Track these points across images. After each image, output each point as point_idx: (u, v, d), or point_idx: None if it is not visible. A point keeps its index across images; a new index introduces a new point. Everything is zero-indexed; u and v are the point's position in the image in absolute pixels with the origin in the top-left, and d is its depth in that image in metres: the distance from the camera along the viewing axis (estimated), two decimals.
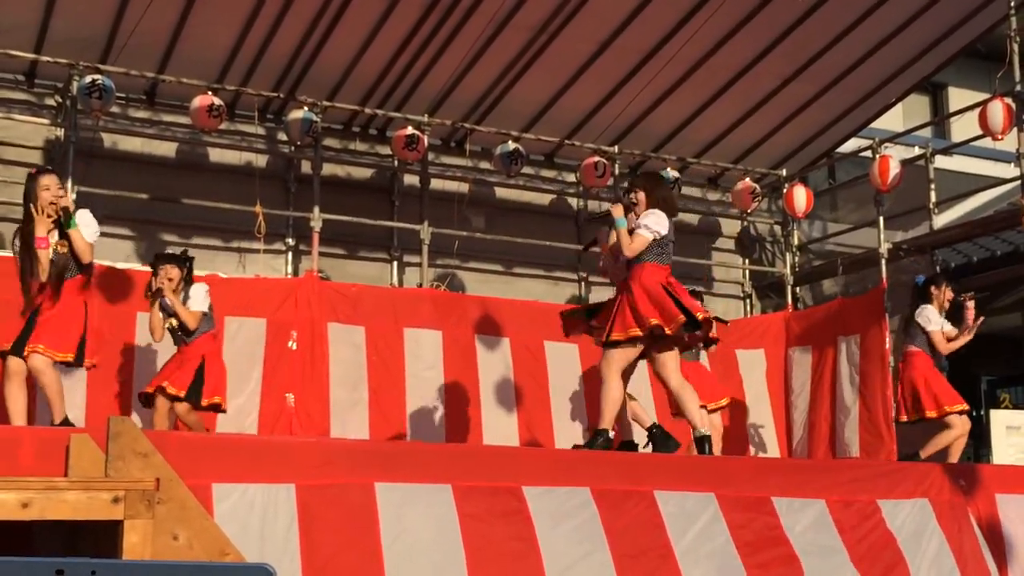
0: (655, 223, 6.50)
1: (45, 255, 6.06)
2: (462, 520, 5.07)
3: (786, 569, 5.71)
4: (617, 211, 6.52)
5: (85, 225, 6.23)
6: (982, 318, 8.38)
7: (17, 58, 9.04)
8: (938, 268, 10.24)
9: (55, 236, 6.14)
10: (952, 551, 6.24)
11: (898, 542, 6.12)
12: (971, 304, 8.34)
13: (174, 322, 7.26)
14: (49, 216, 6.10)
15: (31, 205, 6.14)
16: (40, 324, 6.13)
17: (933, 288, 8.32)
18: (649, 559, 5.39)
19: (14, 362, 6.14)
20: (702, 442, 6.44)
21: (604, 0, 9.19)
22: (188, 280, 7.41)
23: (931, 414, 8.11)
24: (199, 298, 7.33)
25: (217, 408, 7.35)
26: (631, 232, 6.47)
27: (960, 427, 8.15)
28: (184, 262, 7.45)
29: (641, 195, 6.57)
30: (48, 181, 6.17)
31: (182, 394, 7.12)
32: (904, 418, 8.34)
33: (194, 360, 7.21)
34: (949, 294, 8.32)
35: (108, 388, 8.15)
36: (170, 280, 7.25)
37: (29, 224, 6.15)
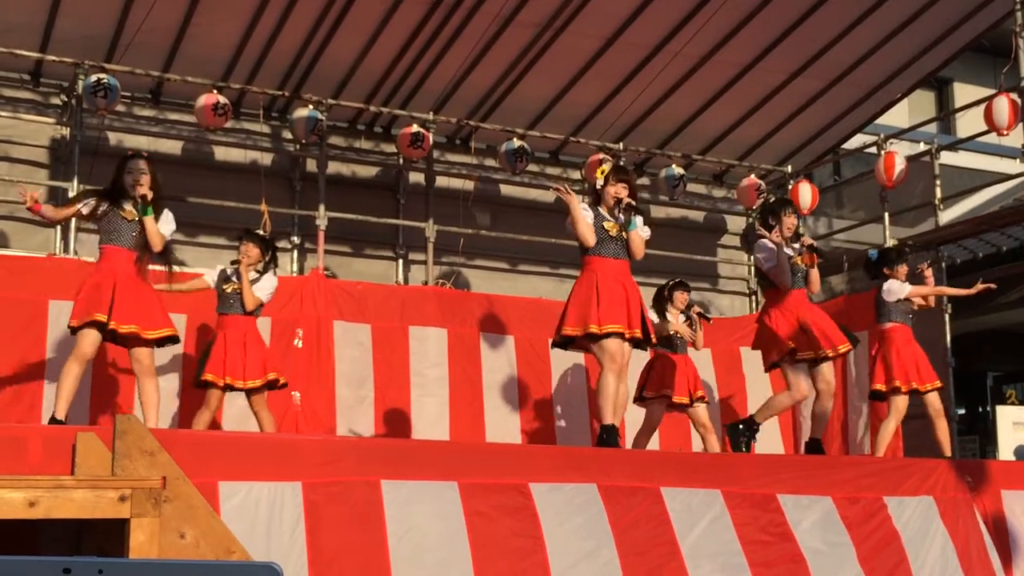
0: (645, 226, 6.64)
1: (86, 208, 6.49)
2: (468, 517, 5.07)
3: (791, 566, 5.70)
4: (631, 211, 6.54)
5: (165, 222, 6.62)
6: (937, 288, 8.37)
7: (23, 57, 9.05)
8: (944, 264, 10.22)
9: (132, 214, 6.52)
10: (956, 548, 6.23)
11: (902, 539, 6.11)
12: (929, 272, 8.29)
13: (236, 285, 7.35)
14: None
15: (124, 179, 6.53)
16: (129, 301, 6.34)
17: (886, 269, 8.19)
18: (655, 556, 5.39)
19: (141, 354, 6.42)
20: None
21: None
22: (268, 266, 7.57)
23: (902, 386, 7.94)
24: (264, 288, 7.44)
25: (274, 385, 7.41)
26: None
27: (933, 406, 8.03)
28: (268, 246, 7.61)
29: (627, 191, 6.60)
30: (133, 165, 6.59)
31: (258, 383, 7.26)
32: (878, 387, 8.15)
33: (236, 340, 7.25)
34: (904, 268, 8.24)
35: (114, 386, 8.16)
36: (248, 256, 7.41)
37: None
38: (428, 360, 9.30)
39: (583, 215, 6.50)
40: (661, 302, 8.62)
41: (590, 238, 6.47)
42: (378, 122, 10.80)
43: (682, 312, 8.60)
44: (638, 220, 6.55)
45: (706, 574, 5.45)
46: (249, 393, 7.27)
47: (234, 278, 7.39)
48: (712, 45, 9.84)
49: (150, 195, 6.46)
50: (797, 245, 7.48)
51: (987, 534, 6.43)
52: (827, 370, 7.48)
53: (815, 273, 7.52)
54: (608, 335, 6.34)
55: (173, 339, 6.56)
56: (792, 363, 7.35)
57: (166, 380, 7.75)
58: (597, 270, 6.48)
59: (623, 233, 6.52)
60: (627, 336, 6.37)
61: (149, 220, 6.46)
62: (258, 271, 7.48)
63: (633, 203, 6.51)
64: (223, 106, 9.20)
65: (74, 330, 6.34)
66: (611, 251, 6.50)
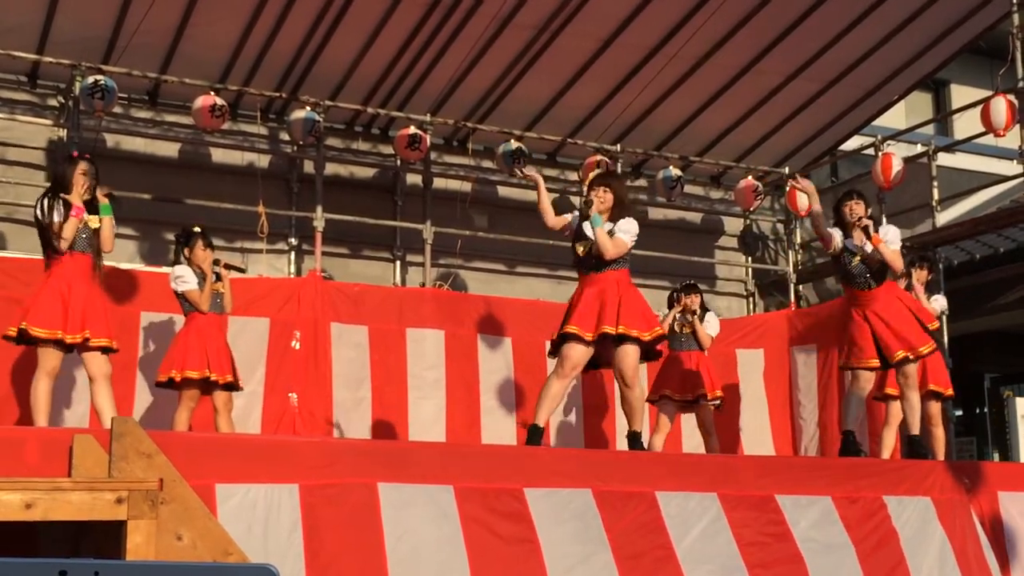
0: (633, 229, 6.56)
1: (74, 223, 6.26)
2: (464, 521, 5.07)
3: (790, 568, 5.70)
4: (596, 209, 6.51)
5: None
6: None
7: (20, 59, 9.05)
8: (941, 266, 10.24)
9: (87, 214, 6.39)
10: (954, 550, 6.23)
11: (901, 540, 6.11)
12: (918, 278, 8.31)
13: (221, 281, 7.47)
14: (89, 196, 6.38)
15: (69, 182, 6.37)
16: (94, 310, 6.29)
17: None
18: (651, 560, 5.38)
19: (95, 364, 6.32)
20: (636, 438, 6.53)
21: None
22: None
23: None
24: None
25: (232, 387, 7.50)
26: (610, 234, 6.47)
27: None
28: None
29: (610, 195, 6.57)
30: (88, 167, 6.46)
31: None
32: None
33: (216, 338, 7.32)
34: (923, 274, 8.32)
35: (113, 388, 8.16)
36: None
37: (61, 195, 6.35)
38: (425, 362, 9.31)
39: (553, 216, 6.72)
40: (670, 303, 8.76)
41: (548, 219, 6.69)
42: (375, 123, 10.80)
43: (680, 314, 8.61)
44: (623, 224, 6.54)
45: (706, 574, 5.45)
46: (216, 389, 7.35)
47: (213, 278, 7.44)
48: (709, 47, 9.84)
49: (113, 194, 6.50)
50: (870, 249, 7.05)
51: (984, 535, 6.43)
52: (909, 369, 7.10)
53: (887, 251, 7.00)
54: (568, 338, 6.39)
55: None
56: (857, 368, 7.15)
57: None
58: (584, 284, 6.57)
59: (592, 251, 6.52)
60: (590, 338, 6.34)
61: (110, 220, 6.44)
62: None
63: (589, 200, 6.52)
64: (220, 108, 9.20)
65: (29, 340, 6.27)
66: (589, 269, 6.57)
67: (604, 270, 6.49)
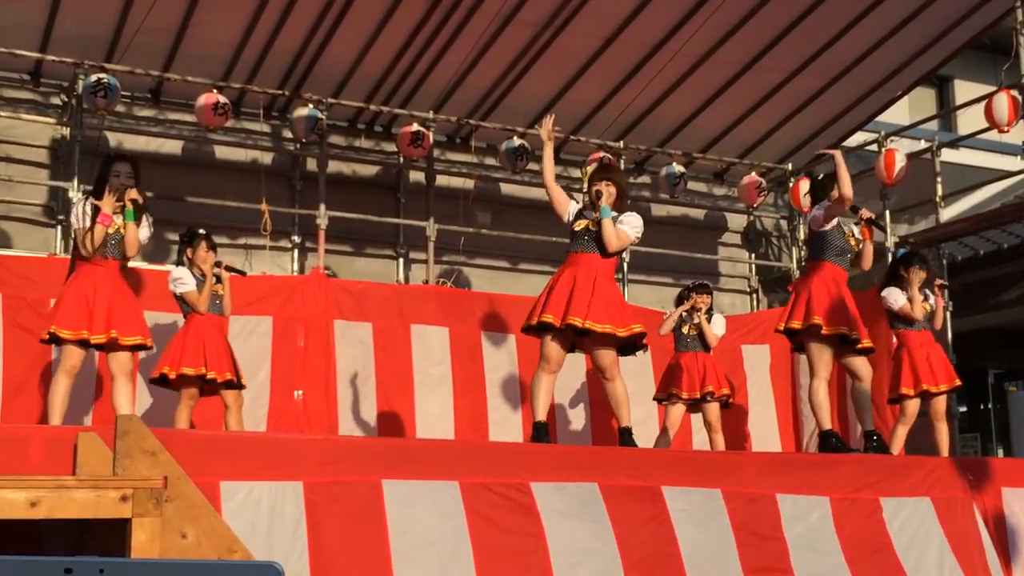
0: (638, 223, 6.60)
1: (102, 231, 6.28)
2: (469, 517, 5.07)
3: (786, 566, 5.71)
4: (605, 201, 6.51)
5: (145, 227, 6.58)
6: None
7: (23, 57, 9.05)
8: (944, 262, 10.22)
9: (119, 219, 6.39)
10: (953, 550, 6.21)
11: (896, 543, 6.10)
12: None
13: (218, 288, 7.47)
14: (117, 200, 6.36)
15: (105, 184, 6.38)
16: (122, 310, 6.34)
17: (901, 269, 8.19)
18: (655, 555, 5.39)
19: (117, 362, 6.37)
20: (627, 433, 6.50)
21: None
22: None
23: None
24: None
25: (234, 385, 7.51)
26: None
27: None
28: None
29: (613, 188, 6.57)
30: (121, 167, 6.47)
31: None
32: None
33: (215, 338, 7.32)
34: (920, 275, 8.15)
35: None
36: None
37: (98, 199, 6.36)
38: (431, 359, 9.30)
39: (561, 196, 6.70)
40: (679, 302, 8.76)
41: (555, 195, 6.67)
42: (378, 121, 10.80)
43: (687, 313, 8.60)
44: (628, 217, 6.56)
45: (705, 572, 5.45)
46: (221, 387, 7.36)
47: (214, 280, 7.44)
48: (712, 43, 9.84)
49: (141, 199, 6.44)
50: (855, 226, 7.30)
51: (986, 534, 6.42)
52: (859, 361, 7.22)
53: (870, 248, 7.35)
54: (542, 327, 6.40)
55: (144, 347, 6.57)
56: (818, 339, 7.14)
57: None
58: (566, 265, 6.57)
59: (590, 227, 6.53)
60: (559, 325, 6.32)
61: (133, 226, 6.41)
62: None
63: (600, 192, 6.50)
64: (223, 105, 9.21)
65: (58, 341, 6.29)
66: (579, 247, 6.55)
67: (590, 252, 6.51)
